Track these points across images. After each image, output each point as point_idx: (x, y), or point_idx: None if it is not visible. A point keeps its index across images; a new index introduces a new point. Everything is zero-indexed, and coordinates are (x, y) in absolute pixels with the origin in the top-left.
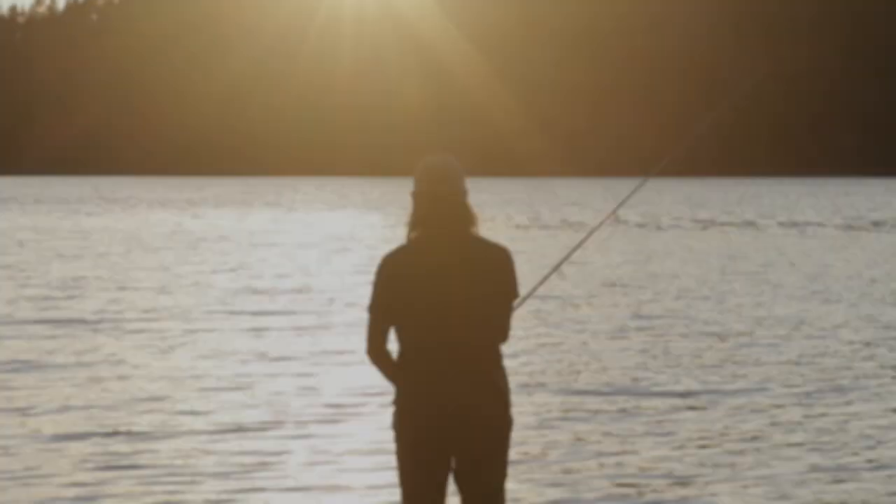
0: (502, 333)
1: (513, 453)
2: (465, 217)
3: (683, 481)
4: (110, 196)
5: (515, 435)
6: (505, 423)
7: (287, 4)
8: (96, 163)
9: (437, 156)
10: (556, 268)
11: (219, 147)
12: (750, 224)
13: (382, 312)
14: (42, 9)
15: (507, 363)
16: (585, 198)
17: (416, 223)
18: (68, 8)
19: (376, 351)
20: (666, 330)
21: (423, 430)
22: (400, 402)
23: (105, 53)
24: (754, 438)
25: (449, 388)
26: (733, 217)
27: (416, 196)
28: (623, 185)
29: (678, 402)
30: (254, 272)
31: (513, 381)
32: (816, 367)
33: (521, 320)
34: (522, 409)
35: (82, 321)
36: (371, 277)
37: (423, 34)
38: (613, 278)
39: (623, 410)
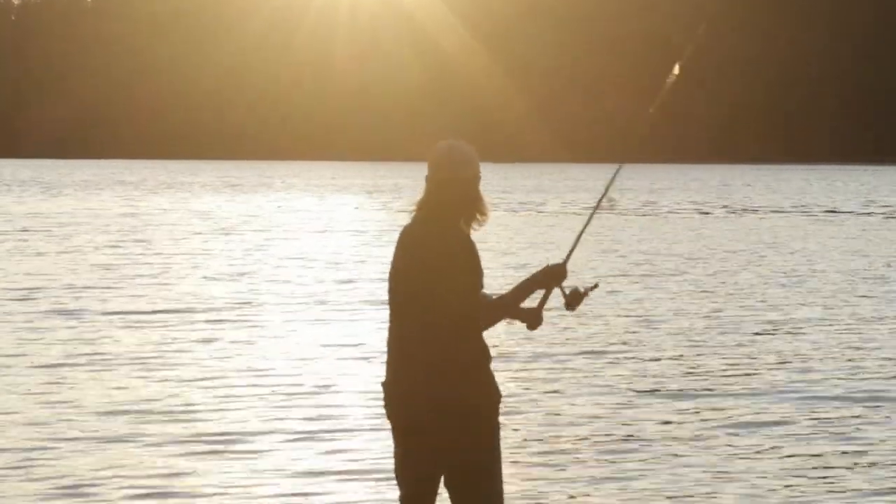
0: (461, 319)
1: (547, 450)
2: (462, 205)
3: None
4: (124, 179)
5: (568, 435)
6: (480, 415)
7: None
8: (94, 146)
9: (452, 140)
10: (570, 253)
11: (215, 130)
12: (782, 211)
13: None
14: None
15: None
16: (601, 184)
17: (419, 207)
18: None
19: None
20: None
21: (394, 419)
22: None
23: (100, 37)
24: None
25: (407, 377)
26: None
27: (431, 181)
28: (624, 171)
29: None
30: (327, 261)
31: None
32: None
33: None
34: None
35: (173, 311)
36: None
37: (420, 18)
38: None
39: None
